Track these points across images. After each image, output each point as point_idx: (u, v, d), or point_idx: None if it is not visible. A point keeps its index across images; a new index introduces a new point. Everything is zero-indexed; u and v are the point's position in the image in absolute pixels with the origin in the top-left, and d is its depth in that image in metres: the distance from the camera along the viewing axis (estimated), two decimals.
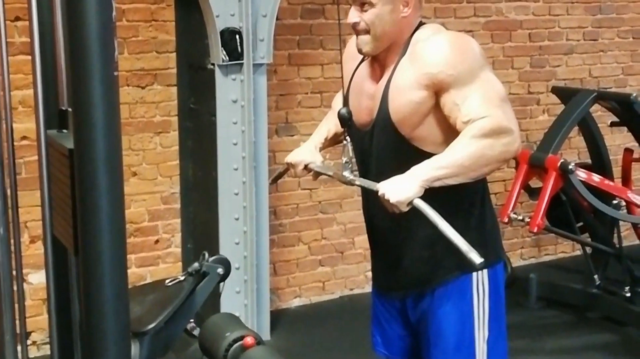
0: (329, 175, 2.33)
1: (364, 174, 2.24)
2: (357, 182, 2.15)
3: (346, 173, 2.18)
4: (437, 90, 2.03)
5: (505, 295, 2.27)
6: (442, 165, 1.97)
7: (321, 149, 2.41)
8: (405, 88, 2.06)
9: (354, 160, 2.20)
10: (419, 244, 2.17)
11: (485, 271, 2.17)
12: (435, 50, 2.04)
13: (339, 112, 2.18)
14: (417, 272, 2.20)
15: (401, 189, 1.95)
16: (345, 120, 2.16)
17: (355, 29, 2.12)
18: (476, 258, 1.87)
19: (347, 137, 2.18)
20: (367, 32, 2.10)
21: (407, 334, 2.33)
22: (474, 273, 2.15)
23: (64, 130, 1.70)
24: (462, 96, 1.99)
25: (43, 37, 1.74)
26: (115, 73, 1.39)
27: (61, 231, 1.63)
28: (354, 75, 2.24)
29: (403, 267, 2.22)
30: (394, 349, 2.37)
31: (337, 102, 2.37)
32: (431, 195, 1.99)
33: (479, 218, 2.16)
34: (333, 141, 2.41)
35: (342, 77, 2.27)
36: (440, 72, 2.01)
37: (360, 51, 2.15)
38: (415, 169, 1.98)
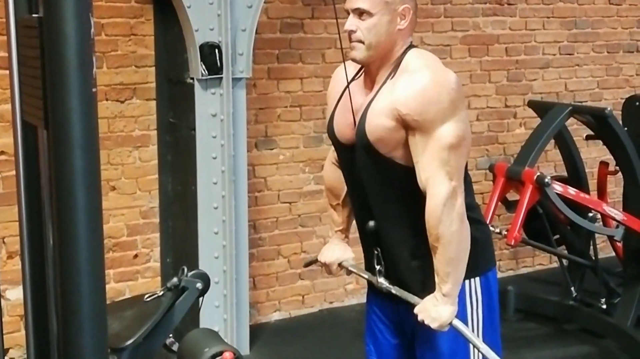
0: (363, 277, 2.40)
1: (353, 188, 2.30)
2: (393, 291, 2.25)
3: (381, 280, 2.27)
4: (405, 127, 2.09)
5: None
6: (444, 274, 2.10)
7: (348, 242, 2.49)
8: (381, 113, 2.11)
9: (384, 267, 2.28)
10: (411, 254, 2.22)
11: (477, 279, 2.23)
12: (410, 90, 2.08)
13: (367, 227, 2.25)
14: (409, 281, 2.23)
15: (439, 317, 2.10)
16: (372, 232, 2.25)
17: (351, 37, 2.15)
18: None
19: (378, 248, 2.26)
20: (362, 41, 2.13)
21: (400, 343, 2.36)
22: (466, 281, 2.20)
23: None
24: (423, 143, 2.08)
25: (21, 52, 1.74)
26: (94, 89, 1.39)
27: None
28: (343, 96, 2.27)
29: (395, 276, 2.25)
30: (388, 358, 2.39)
31: (330, 180, 2.45)
32: (418, 208, 2.07)
33: (470, 228, 2.19)
34: (350, 225, 2.48)
35: (331, 100, 2.32)
36: (407, 114, 2.07)
37: (353, 59, 2.19)
38: (436, 294, 2.12)
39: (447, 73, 2.14)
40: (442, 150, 2.07)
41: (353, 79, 2.27)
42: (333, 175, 2.41)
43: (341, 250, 2.45)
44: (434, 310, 2.11)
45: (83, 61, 1.37)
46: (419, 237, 2.12)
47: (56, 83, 1.37)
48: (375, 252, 2.26)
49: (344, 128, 2.23)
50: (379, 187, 2.19)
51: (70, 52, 1.36)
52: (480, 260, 2.24)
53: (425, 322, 2.11)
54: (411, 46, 2.19)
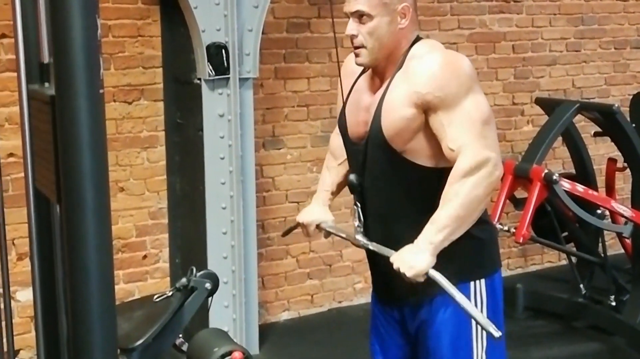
0: (341, 237, 2.38)
1: (358, 186, 2.26)
2: (370, 247, 2.20)
3: (359, 237, 2.22)
4: (426, 109, 2.07)
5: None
6: (442, 226, 2.02)
7: (330, 205, 2.45)
8: (397, 105, 2.09)
9: (363, 223, 2.23)
10: None
11: (482, 280, 2.21)
12: (425, 70, 2.07)
13: (348, 179, 2.22)
14: (414, 283, 2.22)
15: (414, 263, 2.02)
16: (355, 186, 2.20)
17: (353, 41, 2.15)
18: (495, 332, 1.93)
19: (357, 202, 2.21)
20: (364, 45, 2.13)
21: (405, 343, 2.35)
22: (472, 283, 2.18)
23: None
24: (448, 119, 2.04)
25: (28, 55, 1.75)
26: (101, 91, 1.40)
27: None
28: (352, 90, 2.27)
29: (400, 277, 2.24)
30: (393, 358, 2.38)
31: (334, 143, 2.42)
32: (428, 208, 2.05)
33: (476, 228, 2.18)
34: (338, 192, 2.45)
35: (341, 94, 2.30)
36: (428, 93, 2.04)
37: (359, 64, 2.18)
38: (422, 239, 2.04)
39: (456, 53, 2.17)
40: (475, 122, 2.04)
41: (361, 74, 2.26)
42: (338, 139, 2.37)
43: (321, 211, 2.41)
44: (412, 257, 2.02)
45: (91, 63, 1.37)
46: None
47: (65, 85, 1.38)
48: (355, 208, 2.21)
49: (356, 126, 2.22)
50: (386, 184, 2.17)
51: (78, 54, 1.36)
52: (486, 261, 2.23)
53: (401, 270, 2.03)
54: (417, 39, 2.18)
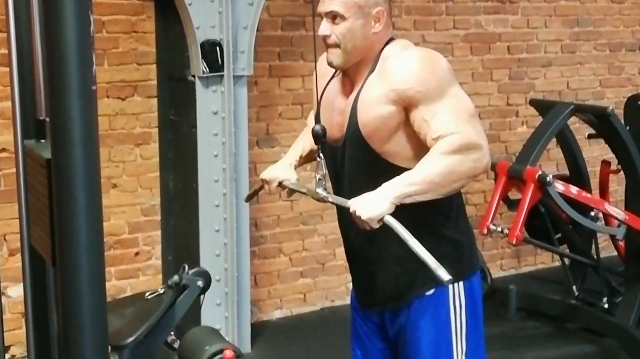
0: (302, 192, 2.34)
1: (337, 190, 2.25)
2: (329, 199, 2.15)
3: (319, 190, 2.16)
4: (406, 106, 2.05)
5: (484, 306, 2.29)
6: (412, 182, 1.97)
7: (297, 166, 2.41)
8: (374, 102, 2.08)
9: (327, 176, 2.20)
10: (393, 259, 2.18)
11: (461, 283, 2.19)
12: (404, 66, 2.06)
13: (312, 129, 2.17)
14: (392, 287, 2.21)
15: (372, 206, 1.96)
16: (319, 136, 2.15)
17: (326, 42, 2.13)
18: (444, 275, 1.87)
19: (321, 154, 2.16)
20: (337, 45, 2.11)
21: (386, 348, 2.33)
22: (450, 286, 2.15)
23: (42, 141, 1.69)
24: (431, 112, 2.01)
25: (21, 49, 1.74)
26: (94, 87, 1.39)
27: (39, 241, 1.62)
28: (325, 91, 2.25)
29: (379, 282, 2.23)
30: None
31: (311, 119, 2.38)
32: (405, 208, 2.00)
33: (453, 230, 2.17)
34: (308, 158, 2.42)
35: (316, 93, 2.28)
36: (409, 88, 2.02)
37: (330, 64, 2.16)
38: (385, 186, 1.98)
39: (430, 50, 2.16)
40: (462, 113, 2.01)
41: (333, 76, 2.24)
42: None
43: (285, 169, 2.38)
44: (371, 202, 1.96)
45: (83, 59, 1.36)
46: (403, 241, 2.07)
47: (57, 80, 1.37)
48: (319, 159, 2.16)
49: (330, 128, 2.18)
50: (364, 186, 2.11)
51: (70, 49, 1.35)
52: (465, 264, 2.21)
53: (357, 213, 1.96)
54: (390, 40, 2.16)
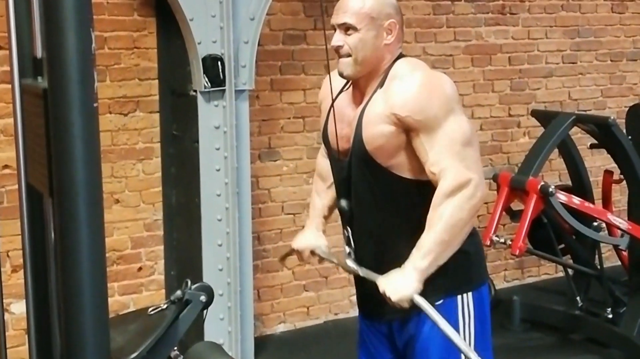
0: (333, 262, 2.41)
1: (348, 211, 2.26)
2: (360, 273, 2.22)
3: (349, 262, 2.24)
4: (406, 130, 2.08)
5: (490, 316, 2.29)
6: (427, 251, 2.04)
7: (324, 230, 2.47)
8: (376, 120, 2.11)
9: (354, 250, 2.25)
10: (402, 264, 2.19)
11: (470, 294, 2.20)
12: (405, 92, 2.08)
13: (338, 205, 2.24)
14: (397, 307, 2.20)
15: (401, 288, 2.04)
16: (345, 211, 2.22)
17: (339, 52, 2.15)
18: (476, 358, 1.95)
19: (348, 228, 2.23)
20: (349, 55, 2.13)
21: (394, 358, 2.33)
22: (459, 296, 2.17)
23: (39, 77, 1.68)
24: (429, 142, 2.05)
25: (23, 67, 1.75)
26: (95, 104, 1.39)
27: (36, 177, 1.55)
28: (332, 108, 2.27)
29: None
30: None
31: (321, 166, 2.43)
32: (415, 220, 2.05)
33: (464, 241, 2.18)
34: (330, 214, 2.47)
35: (332, 114, 2.29)
36: (407, 116, 2.06)
37: (341, 74, 2.18)
38: (407, 265, 2.05)
39: (437, 73, 2.17)
40: (455, 144, 2.04)
41: (342, 90, 2.26)
42: (325, 162, 2.38)
43: (314, 237, 2.43)
44: (398, 282, 2.04)
45: (85, 77, 1.37)
46: (411, 248, 2.09)
47: (59, 97, 1.37)
48: (346, 233, 2.23)
49: (340, 140, 2.21)
50: (373, 199, 2.16)
51: (72, 67, 1.36)
52: (473, 275, 2.22)
53: (387, 294, 2.04)
54: (400, 56, 2.19)
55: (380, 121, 2.09)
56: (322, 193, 2.44)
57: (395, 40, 2.15)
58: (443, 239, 2.03)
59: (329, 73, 2.25)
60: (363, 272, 2.20)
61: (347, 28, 2.12)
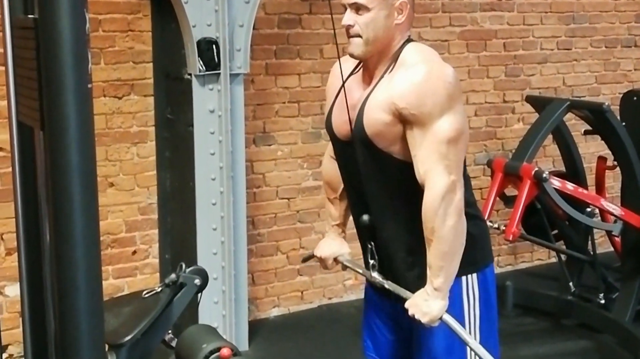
0: (357, 272, 2.42)
1: (349, 184, 2.29)
2: (386, 286, 2.24)
3: (375, 275, 2.26)
4: (402, 121, 2.09)
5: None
6: (437, 267, 2.09)
7: (345, 236, 2.49)
8: (378, 107, 2.11)
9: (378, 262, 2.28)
10: (407, 249, 2.22)
11: (474, 275, 2.23)
12: (407, 84, 2.08)
13: (360, 220, 2.25)
14: (406, 278, 2.23)
15: (428, 310, 2.09)
16: (366, 226, 2.24)
17: (349, 32, 2.15)
18: None
19: (371, 242, 2.25)
20: (359, 35, 2.13)
21: (397, 339, 2.36)
22: (463, 278, 2.20)
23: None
24: (420, 138, 2.07)
25: (16, 53, 1.74)
26: (89, 85, 1.39)
27: (27, 113, 1.50)
28: (341, 91, 2.26)
29: (392, 273, 2.25)
30: (385, 354, 2.40)
31: (328, 173, 2.43)
32: (420, 203, 2.07)
33: (468, 224, 2.18)
34: (347, 220, 2.47)
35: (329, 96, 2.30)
36: (404, 108, 2.07)
37: (352, 55, 2.18)
38: (428, 286, 2.11)
39: (444, 67, 2.14)
40: (440, 143, 2.06)
41: (352, 74, 2.26)
42: (332, 168, 2.40)
43: (337, 244, 2.45)
44: (424, 304, 2.10)
45: (79, 58, 1.36)
46: (416, 233, 2.12)
47: (51, 81, 1.37)
48: (369, 246, 2.26)
49: (342, 124, 2.23)
50: (376, 183, 2.19)
51: (65, 49, 1.35)
52: (477, 256, 2.24)
53: (416, 316, 2.10)
54: (409, 40, 2.19)
55: (380, 109, 2.10)
56: (334, 201, 2.46)
57: (407, 20, 2.15)
58: (444, 251, 2.08)
59: (339, 59, 2.24)
60: (389, 285, 2.23)
61: (358, 7, 2.11)
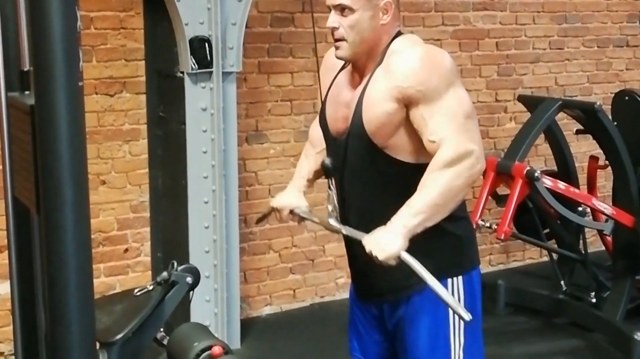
0: (314, 221, 2.37)
1: (338, 182, 2.26)
2: (343, 231, 2.18)
3: (332, 221, 2.20)
4: (407, 104, 2.07)
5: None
6: (418, 211, 2.00)
7: (305, 192, 2.43)
8: (378, 99, 2.09)
9: (337, 208, 2.22)
10: None
11: (460, 277, 2.20)
12: (406, 64, 2.07)
13: (322, 163, 2.21)
14: (392, 279, 2.21)
15: (387, 246, 1.99)
16: (329, 170, 2.19)
17: (334, 34, 2.14)
18: (465, 314, 1.93)
19: (332, 186, 2.20)
20: (345, 37, 2.12)
21: (383, 340, 2.34)
22: (449, 280, 2.17)
23: (26, 92, 1.67)
24: (429, 112, 2.03)
25: (8, 62, 1.73)
26: (80, 83, 1.39)
27: (23, 191, 1.56)
28: (332, 85, 2.27)
29: (378, 274, 2.22)
30: (371, 355, 2.38)
31: (314, 132, 2.41)
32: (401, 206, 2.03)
33: (455, 225, 2.18)
34: (314, 180, 2.44)
35: (320, 91, 2.29)
36: (409, 87, 2.04)
37: (339, 58, 2.17)
38: (395, 221, 2.01)
39: (436, 48, 2.17)
40: (457, 116, 2.03)
41: (343, 67, 2.25)
42: (318, 130, 2.35)
43: (295, 197, 2.40)
44: (384, 240, 1.99)
45: (70, 55, 1.36)
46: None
47: (43, 76, 1.37)
48: (330, 192, 2.20)
49: (336, 121, 2.22)
50: (360, 180, 2.16)
51: (56, 45, 1.35)
52: (463, 259, 2.22)
53: (373, 253, 2.00)
54: (398, 34, 2.18)
55: (382, 99, 2.08)
56: (310, 157, 2.42)
57: (392, 19, 2.14)
58: (436, 202, 2.00)
59: (317, 56, 2.23)
60: (346, 230, 2.16)
61: (342, 9, 2.10)
